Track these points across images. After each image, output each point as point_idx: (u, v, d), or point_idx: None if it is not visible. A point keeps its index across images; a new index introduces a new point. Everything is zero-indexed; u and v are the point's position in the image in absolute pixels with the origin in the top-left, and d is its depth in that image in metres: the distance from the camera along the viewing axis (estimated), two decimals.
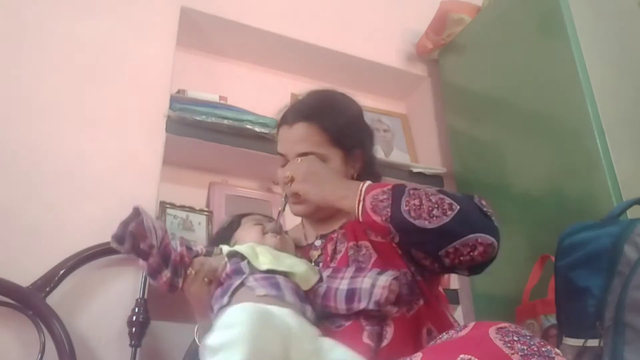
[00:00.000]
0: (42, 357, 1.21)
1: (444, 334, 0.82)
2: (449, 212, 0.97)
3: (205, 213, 1.66)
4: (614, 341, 0.99)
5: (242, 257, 0.99)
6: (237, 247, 1.01)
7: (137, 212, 0.96)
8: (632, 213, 1.19)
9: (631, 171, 1.35)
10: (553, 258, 1.21)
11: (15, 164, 1.39)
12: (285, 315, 0.85)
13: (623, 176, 1.33)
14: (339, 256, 1.10)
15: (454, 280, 1.85)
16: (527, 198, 1.57)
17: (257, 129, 1.68)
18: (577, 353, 1.05)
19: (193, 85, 1.77)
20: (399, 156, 2.06)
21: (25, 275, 1.27)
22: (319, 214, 1.19)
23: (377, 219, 1.00)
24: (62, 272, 1.30)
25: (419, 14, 2.06)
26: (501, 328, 0.74)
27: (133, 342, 1.30)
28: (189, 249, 1.01)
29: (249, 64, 2.04)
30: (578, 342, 1.06)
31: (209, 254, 1.03)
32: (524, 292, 1.37)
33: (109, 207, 1.44)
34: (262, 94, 1.97)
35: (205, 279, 0.98)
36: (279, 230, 1.10)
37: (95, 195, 1.44)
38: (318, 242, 1.18)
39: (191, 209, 1.63)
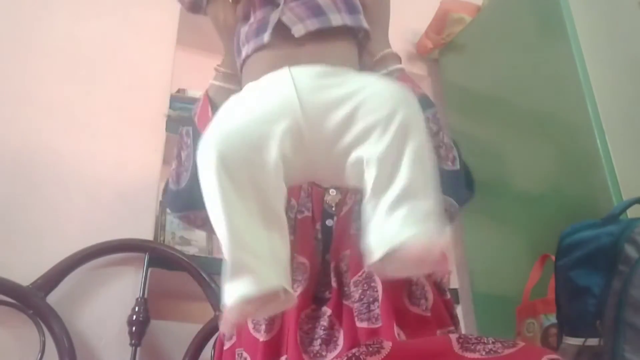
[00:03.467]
0: (42, 356, 1.21)
1: (484, 340, 0.72)
2: None
3: None
4: (614, 340, 0.99)
5: None
6: None
7: None
8: (632, 212, 1.19)
9: (631, 171, 1.35)
10: (553, 257, 1.21)
11: (16, 164, 1.39)
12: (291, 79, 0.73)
13: (623, 176, 1.33)
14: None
15: (453, 280, 1.85)
16: (527, 198, 1.57)
17: None
18: (577, 352, 1.05)
19: (193, 84, 1.76)
20: None
21: (25, 275, 1.26)
22: None
23: None
24: (62, 271, 1.30)
25: (419, 14, 2.06)
26: None
27: (133, 341, 1.30)
28: None
29: None
30: (578, 341, 1.06)
31: None
32: (524, 292, 1.37)
33: (108, 207, 1.44)
34: None
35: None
36: None
37: (95, 195, 1.44)
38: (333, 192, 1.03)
39: None
